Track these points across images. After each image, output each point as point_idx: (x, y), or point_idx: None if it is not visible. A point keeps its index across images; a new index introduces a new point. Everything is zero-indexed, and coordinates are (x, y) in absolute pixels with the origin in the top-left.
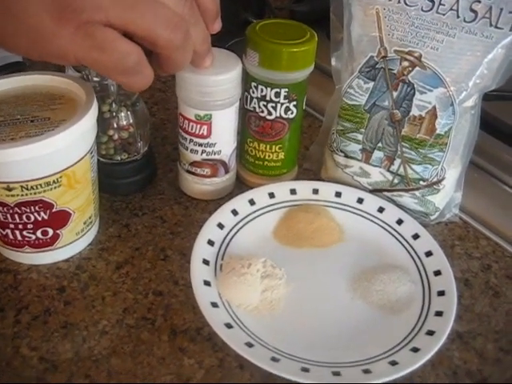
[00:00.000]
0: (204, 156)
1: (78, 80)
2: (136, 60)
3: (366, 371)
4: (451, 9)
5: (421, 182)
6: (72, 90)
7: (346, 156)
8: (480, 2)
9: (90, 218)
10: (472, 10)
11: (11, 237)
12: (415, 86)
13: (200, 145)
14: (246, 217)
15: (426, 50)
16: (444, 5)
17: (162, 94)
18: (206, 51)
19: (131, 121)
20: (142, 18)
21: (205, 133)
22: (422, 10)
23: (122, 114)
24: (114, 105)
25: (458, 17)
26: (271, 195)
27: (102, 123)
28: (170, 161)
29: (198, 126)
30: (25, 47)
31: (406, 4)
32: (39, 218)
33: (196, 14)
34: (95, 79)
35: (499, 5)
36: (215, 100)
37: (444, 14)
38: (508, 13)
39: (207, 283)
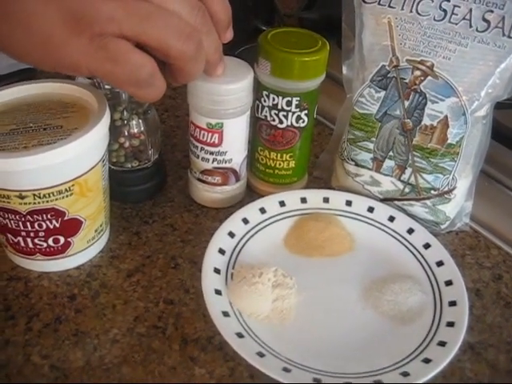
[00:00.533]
0: (215, 164)
1: (90, 88)
2: (149, 72)
3: (378, 382)
4: (464, 18)
5: (432, 192)
6: (84, 97)
7: (357, 165)
8: (493, 11)
9: (100, 225)
10: (485, 20)
11: (23, 244)
12: (427, 95)
13: (211, 153)
14: (256, 225)
15: (438, 60)
16: (457, 14)
17: (172, 100)
18: (217, 60)
19: (142, 128)
20: (154, 29)
21: (216, 141)
22: (435, 19)
23: (134, 122)
24: (125, 112)
25: (471, 26)
26: (282, 203)
27: (114, 131)
28: (180, 168)
29: (210, 134)
30: (38, 59)
31: (418, 13)
32: (51, 226)
33: (208, 24)
34: (107, 87)
35: None
36: (227, 108)
37: (456, 24)
38: None
39: (218, 292)
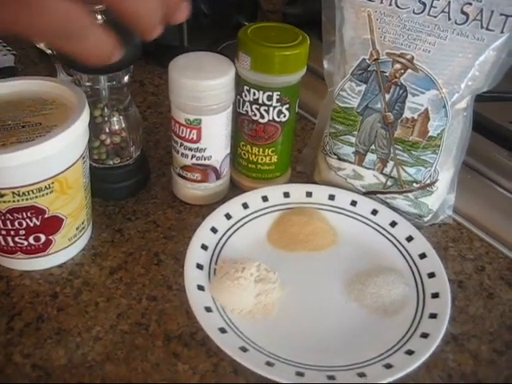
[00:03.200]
0: (194, 161)
1: (70, 85)
2: (80, 23)
3: (361, 374)
4: (442, 11)
5: (414, 184)
6: (63, 94)
7: (339, 159)
8: (471, 4)
9: (82, 223)
10: (463, 13)
11: (3, 243)
12: (407, 88)
13: (190, 149)
14: (239, 220)
15: (418, 53)
16: (435, 7)
17: (155, 97)
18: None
19: (123, 125)
20: None
21: (194, 137)
22: (414, 12)
23: (114, 119)
24: (105, 109)
25: (450, 19)
26: (264, 198)
27: (94, 128)
28: (163, 165)
29: (188, 130)
30: None
31: (397, 6)
32: (31, 224)
33: None
34: (87, 84)
35: (490, 7)
36: (206, 105)
37: (435, 17)
38: (499, 15)
39: (201, 288)
